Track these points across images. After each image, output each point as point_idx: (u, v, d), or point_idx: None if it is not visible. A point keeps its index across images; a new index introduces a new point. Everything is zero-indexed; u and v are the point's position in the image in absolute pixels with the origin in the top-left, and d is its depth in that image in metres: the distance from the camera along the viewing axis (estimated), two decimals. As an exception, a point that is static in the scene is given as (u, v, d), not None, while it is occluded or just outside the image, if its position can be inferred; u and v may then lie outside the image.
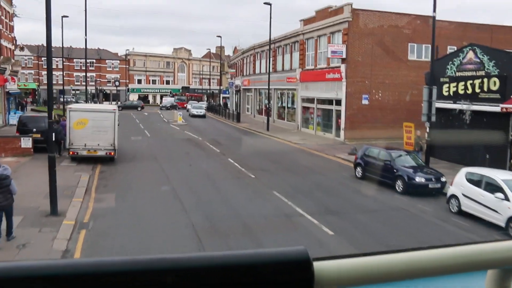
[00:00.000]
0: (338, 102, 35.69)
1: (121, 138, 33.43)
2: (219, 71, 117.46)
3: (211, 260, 0.97)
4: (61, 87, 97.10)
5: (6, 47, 45.78)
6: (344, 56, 34.31)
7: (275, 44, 50.50)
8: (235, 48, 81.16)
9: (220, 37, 67.82)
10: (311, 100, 40.73)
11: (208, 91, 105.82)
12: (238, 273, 0.96)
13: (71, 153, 22.89)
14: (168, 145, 30.93)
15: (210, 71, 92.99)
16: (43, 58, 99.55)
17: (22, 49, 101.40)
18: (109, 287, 0.89)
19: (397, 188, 18.66)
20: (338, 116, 35.85)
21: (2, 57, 42.29)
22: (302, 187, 18.78)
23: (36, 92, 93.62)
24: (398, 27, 35.35)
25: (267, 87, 53.12)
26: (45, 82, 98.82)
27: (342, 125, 35.06)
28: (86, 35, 40.44)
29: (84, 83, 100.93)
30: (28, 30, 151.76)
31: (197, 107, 61.78)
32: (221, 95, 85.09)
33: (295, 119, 44.79)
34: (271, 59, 46.78)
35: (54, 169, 14.65)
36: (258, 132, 41.59)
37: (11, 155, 24.58)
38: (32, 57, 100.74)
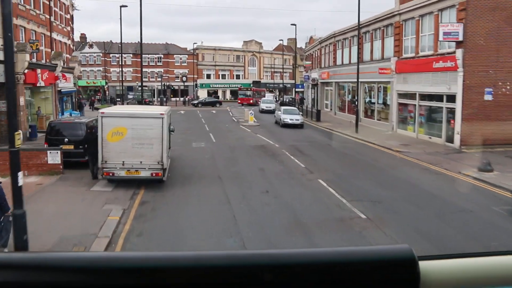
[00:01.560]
0: (451, 98, 27.89)
1: (180, 145, 27.50)
2: (291, 64, 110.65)
3: (312, 256, 0.94)
4: (130, 84, 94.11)
5: (60, 41, 41.19)
6: (460, 39, 26.47)
7: (361, 30, 43.01)
8: (311, 38, 73.81)
9: (295, 25, 60.49)
10: (411, 96, 33.08)
11: (281, 85, 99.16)
12: (339, 270, 0.93)
13: (105, 174, 16.91)
14: (237, 155, 24.45)
15: (283, 64, 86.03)
16: (111, 55, 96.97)
17: (91, 46, 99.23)
18: (208, 280, 0.90)
19: None
20: (451, 115, 28.07)
21: (53, 52, 37.60)
22: (453, 241, 11.64)
23: (101, 90, 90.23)
24: (534, -3, 27.00)
25: (350, 80, 45.80)
26: (113, 79, 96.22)
27: (458, 127, 27.23)
28: (141, 23, 34.73)
29: (153, 79, 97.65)
30: (111, 29, 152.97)
31: (290, 112, 41.50)
32: (295, 90, 77.86)
33: (388, 118, 37.22)
34: (358, 46, 39.14)
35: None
36: (345, 134, 34.40)
37: (35, 174, 19.02)
38: (101, 54, 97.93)
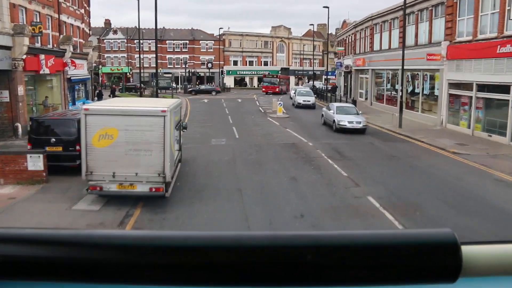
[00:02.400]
0: (520, 89, 23.31)
1: (197, 142, 23.61)
2: (321, 50, 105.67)
3: (354, 238, 0.95)
4: (154, 70, 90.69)
5: (72, 24, 37.62)
6: (536, 17, 21.86)
7: (404, 11, 38.31)
8: (344, 22, 68.93)
9: (328, 7, 55.53)
10: (466, 86, 28.45)
11: (310, 72, 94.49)
12: (380, 253, 0.93)
13: (90, 188, 13.10)
14: (263, 158, 20.37)
15: (313, 51, 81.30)
16: (135, 41, 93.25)
17: (115, 32, 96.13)
18: (249, 260, 0.90)
19: None
20: (520, 110, 23.49)
21: (61, 36, 34.03)
22: None
23: (121, 77, 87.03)
24: None
25: (389, 67, 41.24)
26: (138, 65, 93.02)
27: (529, 125, 22.70)
28: (156, 6, 30.77)
29: (178, 66, 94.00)
30: (141, 16, 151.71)
31: (347, 111, 30.20)
32: (327, 77, 72.54)
33: (436, 111, 32.63)
34: (404, 28, 34.20)
35: None
36: (387, 129, 30.03)
37: (13, 182, 15.38)
38: (125, 40, 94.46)
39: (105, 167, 12.85)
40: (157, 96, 33.47)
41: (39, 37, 29.21)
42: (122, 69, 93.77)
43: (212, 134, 26.99)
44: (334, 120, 29.11)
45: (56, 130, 16.96)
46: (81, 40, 40.97)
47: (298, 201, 13.73)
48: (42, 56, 28.94)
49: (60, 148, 16.44)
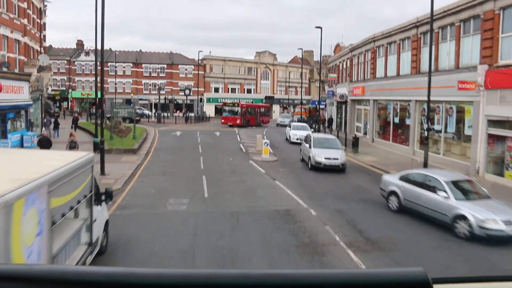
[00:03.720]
0: None
1: (147, 205, 15.45)
2: (307, 78, 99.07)
3: (326, 278, 0.94)
4: (128, 96, 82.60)
5: (5, 36, 29.97)
6: None
7: (417, 29, 31.36)
8: (337, 46, 62.06)
9: (321, 28, 48.12)
10: (514, 124, 21.24)
11: (296, 101, 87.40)
12: None
13: None
14: (241, 244, 12.31)
15: (301, 77, 74.28)
16: (108, 64, 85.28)
17: (87, 54, 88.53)
18: None
19: None
20: None
21: (-16, 50, 26.23)
22: None
23: (86, 102, 78.78)
24: None
25: (398, 98, 34.12)
26: (111, 90, 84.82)
27: None
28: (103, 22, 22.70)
29: (154, 92, 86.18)
30: (127, 41, 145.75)
31: (462, 187, 14.93)
32: (319, 107, 65.08)
33: (467, 155, 25.24)
34: (431, 48, 26.44)
35: None
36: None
37: None
38: (98, 63, 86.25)
39: None
40: (102, 130, 25.04)
41: None
42: (93, 94, 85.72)
43: (172, 189, 19.18)
44: (465, 217, 13.33)
45: None
46: (22, 57, 33.18)
47: None
48: None
49: None
